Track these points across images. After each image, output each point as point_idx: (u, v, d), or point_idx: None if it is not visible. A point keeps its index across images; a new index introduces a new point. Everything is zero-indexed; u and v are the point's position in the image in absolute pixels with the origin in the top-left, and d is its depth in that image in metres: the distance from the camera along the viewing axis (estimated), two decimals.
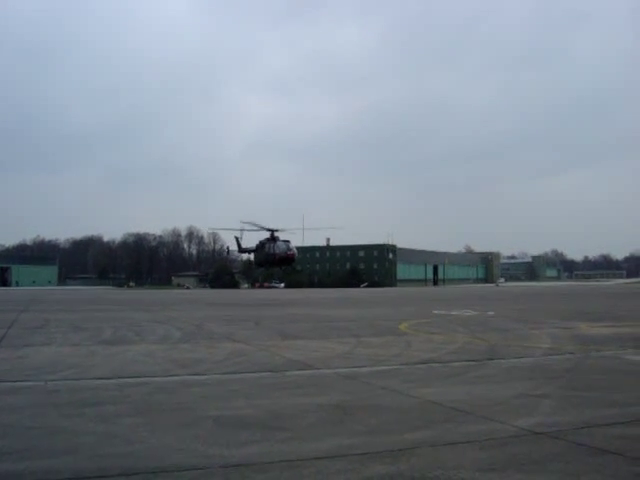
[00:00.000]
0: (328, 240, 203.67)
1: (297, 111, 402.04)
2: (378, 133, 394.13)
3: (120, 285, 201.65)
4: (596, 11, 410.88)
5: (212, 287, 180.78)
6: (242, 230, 73.86)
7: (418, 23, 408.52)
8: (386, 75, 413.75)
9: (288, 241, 67.83)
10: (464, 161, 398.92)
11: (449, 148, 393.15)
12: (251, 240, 75.92)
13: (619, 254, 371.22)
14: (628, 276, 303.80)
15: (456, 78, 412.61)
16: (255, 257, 73.36)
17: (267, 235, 69.47)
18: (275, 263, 69.47)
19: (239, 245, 77.88)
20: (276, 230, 67.68)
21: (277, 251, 66.83)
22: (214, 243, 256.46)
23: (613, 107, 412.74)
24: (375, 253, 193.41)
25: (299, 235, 74.80)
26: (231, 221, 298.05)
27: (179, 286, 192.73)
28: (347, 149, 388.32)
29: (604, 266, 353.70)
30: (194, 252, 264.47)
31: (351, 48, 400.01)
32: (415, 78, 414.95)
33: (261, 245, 69.75)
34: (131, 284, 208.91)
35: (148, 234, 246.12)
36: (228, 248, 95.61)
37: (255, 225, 68.25)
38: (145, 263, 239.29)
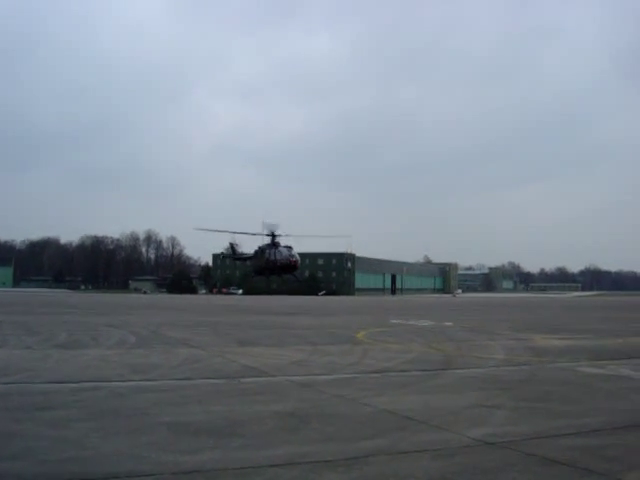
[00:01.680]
0: None
1: (264, 117, 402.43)
2: (343, 142, 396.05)
3: (75, 288, 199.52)
4: (563, 28, 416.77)
5: (170, 292, 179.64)
6: (235, 233, 70.31)
7: (388, 35, 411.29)
8: (355, 85, 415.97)
9: (290, 247, 63.78)
10: (426, 172, 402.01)
11: (412, 159, 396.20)
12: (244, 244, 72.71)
13: (574, 267, 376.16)
14: (583, 289, 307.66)
15: (423, 90, 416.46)
16: (254, 264, 69.06)
17: (260, 240, 65.94)
18: (276, 270, 65.19)
19: (234, 251, 74.72)
20: (278, 235, 63.54)
21: (278, 257, 62.93)
22: (173, 247, 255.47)
23: (574, 124, 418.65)
24: (334, 261, 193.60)
25: (294, 241, 68.79)
26: (191, 226, 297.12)
27: (136, 290, 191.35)
28: (312, 157, 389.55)
29: (560, 279, 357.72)
30: (152, 256, 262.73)
31: (321, 57, 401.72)
32: (383, 89, 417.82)
33: (260, 251, 65.63)
34: (82, 287, 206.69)
35: (106, 237, 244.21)
36: (222, 254, 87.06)
37: (267, 230, 63.09)
38: (102, 266, 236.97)
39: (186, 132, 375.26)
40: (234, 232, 69.07)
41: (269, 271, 65.96)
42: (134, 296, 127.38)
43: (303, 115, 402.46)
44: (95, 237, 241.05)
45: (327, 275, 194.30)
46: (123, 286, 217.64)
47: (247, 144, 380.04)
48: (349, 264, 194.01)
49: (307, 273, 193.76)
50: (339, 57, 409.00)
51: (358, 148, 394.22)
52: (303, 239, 63.76)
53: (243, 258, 74.18)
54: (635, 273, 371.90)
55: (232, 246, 74.66)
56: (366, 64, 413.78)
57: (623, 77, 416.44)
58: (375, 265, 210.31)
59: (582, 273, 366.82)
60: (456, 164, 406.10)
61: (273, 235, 62.57)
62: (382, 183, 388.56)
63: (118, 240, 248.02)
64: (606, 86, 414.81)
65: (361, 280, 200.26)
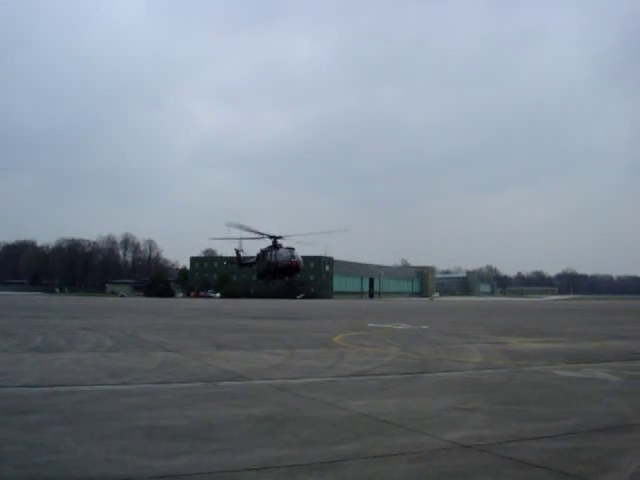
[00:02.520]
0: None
1: (246, 120, 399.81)
2: (324, 145, 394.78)
3: (51, 291, 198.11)
4: (545, 32, 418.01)
5: (147, 295, 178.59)
6: (241, 239, 66.22)
7: (371, 38, 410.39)
8: (336, 89, 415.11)
9: (292, 248, 60.12)
10: (406, 176, 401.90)
11: (392, 162, 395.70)
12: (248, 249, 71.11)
13: (551, 271, 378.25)
14: (560, 292, 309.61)
15: (405, 94, 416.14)
16: (257, 268, 65.45)
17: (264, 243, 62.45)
18: (277, 273, 61.60)
19: (239, 258, 71.17)
20: (279, 237, 60.27)
21: (279, 259, 59.35)
22: (150, 251, 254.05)
23: (555, 128, 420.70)
24: (312, 265, 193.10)
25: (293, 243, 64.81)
26: (169, 229, 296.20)
27: (113, 294, 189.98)
28: (293, 160, 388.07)
29: (537, 282, 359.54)
30: (129, 259, 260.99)
31: (304, 59, 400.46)
32: (364, 93, 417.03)
33: (262, 254, 62.47)
34: (57, 290, 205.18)
35: (83, 240, 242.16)
36: (226, 262, 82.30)
37: (249, 231, 60.17)
38: (79, 269, 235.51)
39: (167, 134, 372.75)
40: (245, 238, 65.01)
41: (271, 274, 62.27)
42: (111, 299, 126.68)
43: (285, 118, 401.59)
44: (72, 240, 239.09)
45: (305, 278, 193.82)
46: (100, 289, 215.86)
47: (228, 147, 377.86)
48: (327, 267, 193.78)
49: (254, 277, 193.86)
50: (321, 60, 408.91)
51: (339, 151, 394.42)
52: (305, 238, 59.39)
53: (248, 263, 69.68)
54: (611, 277, 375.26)
55: (237, 252, 70.67)
56: (348, 67, 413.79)
57: (604, 82, 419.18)
58: (353, 268, 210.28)
59: (559, 277, 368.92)
60: (436, 168, 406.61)
61: (275, 237, 60.08)
62: (362, 186, 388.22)
63: (95, 243, 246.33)
64: (587, 91, 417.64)
65: (339, 283, 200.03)
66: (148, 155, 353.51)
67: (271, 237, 60.00)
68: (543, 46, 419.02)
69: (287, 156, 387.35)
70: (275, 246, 59.91)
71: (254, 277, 74.84)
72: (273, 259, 59.62)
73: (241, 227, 58.02)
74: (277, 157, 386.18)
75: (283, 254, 59.08)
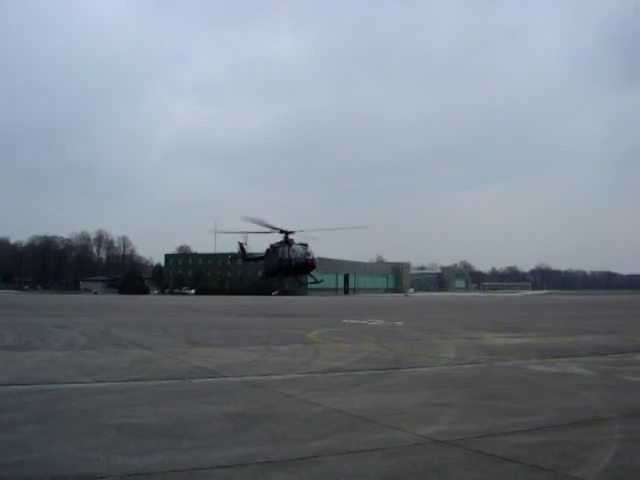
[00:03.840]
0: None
1: (222, 117, 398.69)
2: (303, 142, 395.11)
3: (24, 289, 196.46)
4: (524, 31, 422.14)
5: (121, 292, 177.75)
6: (246, 233, 63.04)
7: (350, 35, 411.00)
8: (315, 85, 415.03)
9: (306, 244, 56.58)
10: (382, 173, 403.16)
11: (369, 160, 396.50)
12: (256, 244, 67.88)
13: (525, 266, 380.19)
14: (534, 288, 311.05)
15: (384, 91, 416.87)
16: (265, 264, 61.58)
17: (272, 238, 58.72)
18: (291, 271, 57.75)
19: (243, 252, 67.59)
20: (291, 232, 56.52)
21: (293, 256, 55.53)
22: (124, 248, 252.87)
23: (531, 125, 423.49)
24: (252, 264, 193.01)
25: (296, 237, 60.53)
26: (144, 225, 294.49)
27: (87, 291, 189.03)
28: (270, 157, 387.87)
29: (511, 278, 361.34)
30: (103, 257, 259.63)
31: (283, 57, 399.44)
32: (343, 90, 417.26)
33: (273, 250, 58.44)
34: (27, 287, 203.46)
35: (56, 237, 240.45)
36: (230, 256, 76.42)
37: (262, 225, 55.75)
38: (52, 267, 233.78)
39: (143, 131, 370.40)
40: (249, 232, 61.89)
41: (283, 272, 58.53)
42: (85, 297, 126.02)
43: (263, 114, 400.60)
44: (45, 237, 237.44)
45: None
46: (74, 287, 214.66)
47: (205, 143, 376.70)
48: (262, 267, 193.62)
49: (260, 273, 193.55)
50: (300, 57, 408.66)
51: (316, 148, 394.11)
52: (318, 233, 55.71)
53: (254, 258, 66.47)
54: (584, 272, 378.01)
55: (241, 246, 67.17)
56: (328, 64, 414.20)
57: (582, 81, 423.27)
58: (328, 264, 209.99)
59: (532, 272, 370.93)
60: (412, 165, 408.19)
61: (286, 232, 56.24)
62: (338, 183, 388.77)
63: (69, 240, 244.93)
64: (564, 89, 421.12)
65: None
66: (124, 152, 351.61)
67: (282, 232, 56.68)
68: (522, 44, 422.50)
69: (264, 152, 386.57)
70: (287, 241, 56.68)
71: (260, 274, 69.65)
72: (286, 255, 56.18)
73: (252, 220, 54.63)
74: (255, 153, 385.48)
75: (297, 251, 55.99)
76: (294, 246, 55.81)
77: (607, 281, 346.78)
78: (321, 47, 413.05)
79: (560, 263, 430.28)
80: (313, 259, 56.30)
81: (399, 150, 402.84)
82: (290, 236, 56.73)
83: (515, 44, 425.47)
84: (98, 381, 13.39)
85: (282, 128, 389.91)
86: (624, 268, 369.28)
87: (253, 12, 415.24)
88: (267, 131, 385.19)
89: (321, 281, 64.25)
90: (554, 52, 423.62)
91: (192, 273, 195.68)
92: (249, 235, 64.74)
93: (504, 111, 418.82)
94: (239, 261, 71.60)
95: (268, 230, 56.32)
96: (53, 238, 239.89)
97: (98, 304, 71.78)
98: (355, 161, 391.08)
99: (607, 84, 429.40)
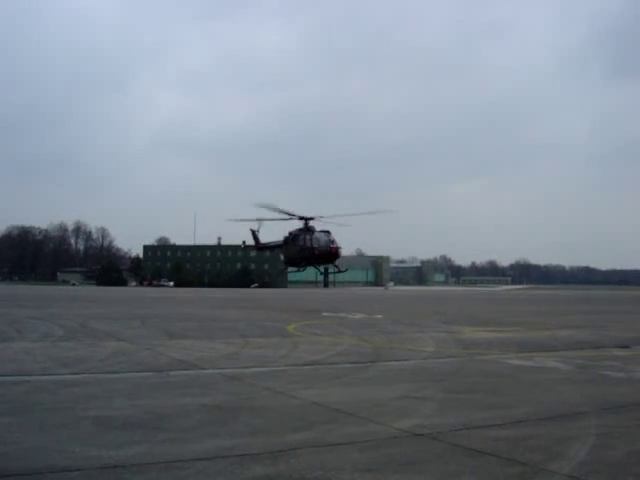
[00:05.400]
0: (219, 239, 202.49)
1: (209, 108, 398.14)
2: (289, 134, 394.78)
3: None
4: (513, 26, 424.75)
5: (99, 284, 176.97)
6: (260, 220, 57.95)
7: (339, 27, 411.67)
8: (303, 76, 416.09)
9: (328, 232, 51.87)
10: (365, 166, 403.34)
11: (353, 152, 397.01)
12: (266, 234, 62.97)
13: (505, 261, 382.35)
14: (513, 282, 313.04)
15: (371, 84, 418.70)
16: (285, 253, 57.60)
17: (290, 225, 54.06)
18: (314, 260, 52.85)
19: (257, 240, 62.91)
20: (311, 218, 52.14)
21: (316, 245, 50.88)
22: (102, 239, 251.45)
23: (515, 120, 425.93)
24: (267, 253, 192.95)
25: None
26: (123, 216, 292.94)
27: (65, 282, 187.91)
28: (256, 148, 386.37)
29: (490, 272, 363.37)
30: (81, 248, 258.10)
31: (271, 48, 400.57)
32: (332, 81, 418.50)
33: (292, 238, 53.98)
34: (1, 278, 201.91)
35: (33, 227, 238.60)
36: (244, 243, 69.04)
37: (277, 211, 51.41)
38: (29, 258, 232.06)
39: (126, 122, 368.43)
40: (264, 219, 56.82)
41: (305, 261, 53.63)
42: (62, 288, 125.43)
43: (250, 106, 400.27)
44: (22, 227, 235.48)
45: (260, 267, 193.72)
46: (51, 278, 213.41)
47: (190, 134, 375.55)
48: (282, 256, 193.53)
49: (239, 265, 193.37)
50: (289, 48, 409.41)
51: (302, 140, 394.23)
52: (340, 219, 51.45)
53: (269, 247, 62.82)
54: (563, 267, 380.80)
55: (254, 233, 62.25)
56: (316, 56, 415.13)
57: (567, 77, 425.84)
58: None
59: (512, 267, 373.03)
60: (396, 158, 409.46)
61: (306, 218, 51.90)
62: (322, 175, 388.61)
63: (46, 231, 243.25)
64: (550, 85, 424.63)
65: (294, 272, 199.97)
66: (105, 142, 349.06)
67: (301, 218, 52.45)
68: (509, 39, 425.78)
69: (251, 143, 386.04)
70: (308, 229, 52.35)
71: (283, 262, 64.30)
72: (308, 244, 51.68)
73: (268, 207, 50.53)
74: (241, 144, 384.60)
75: (320, 239, 51.31)
76: (316, 234, 51.65)
77: (586, 276, 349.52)
78: (309, 39, 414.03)
79: (540, 258, 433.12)
80: (337, 248, 52.08)
81: (384, 143, 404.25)
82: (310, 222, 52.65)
83: (503, 39, 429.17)
84: (74, 373, 13.31)
85: (268, 120, 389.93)
86: (603, 264, 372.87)
87: (241, 3, 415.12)
88: (253, 123, 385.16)
89: (345, 270, 60.12)
90: (541, 47, 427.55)
91: (171, 265, 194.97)
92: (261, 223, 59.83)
93: (490, 105, 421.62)
94: (253, 250, 66.36)
95: (285, 217, 52.44)
96: (30, 228, 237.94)
97: (75, 295, 71.36)
98: (338, 153, 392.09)
99: (592, 81, 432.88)
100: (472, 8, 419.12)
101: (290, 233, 54.22)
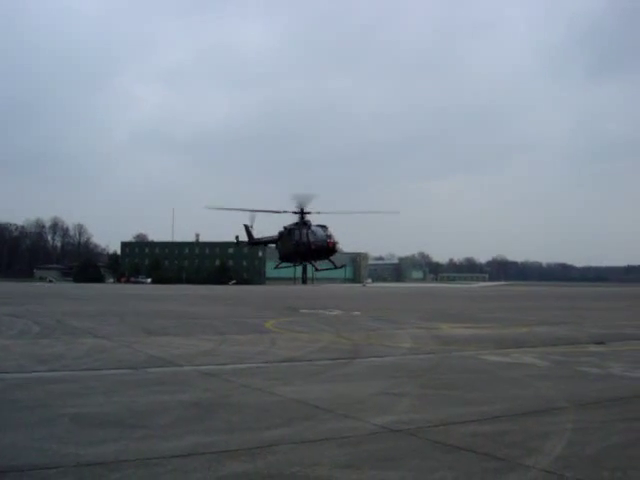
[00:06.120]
0: (197, 236, 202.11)
1: (190, 104, 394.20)
2: (270, 131, 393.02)
3: None
4: (493, 24, 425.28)
5: (76, 281, 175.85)
6: (253, 211, 55.68)
7: (321, 24, 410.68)
8: (285, 74, 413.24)
9: (325, 226, 50.04)
10: (346, 163, 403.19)
11: (335, 149, 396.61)
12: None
13: (482, 258, 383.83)
14: (490, 279, 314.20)
15: (353, 81, 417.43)
16: (280, 248, 54.64)
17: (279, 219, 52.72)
18: (310, 255, 51.02)
19: (250, 235, 59.41)
20: (307, 212, 50.31)
21: (313, 239, 48.95)
22: (79, 235, 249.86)
23: (496, 118, 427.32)
24: (245, 250, 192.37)
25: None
26: (101, 213, 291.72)
27: (41, 279, 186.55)
28: (237, 145, 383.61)
29: (468, 269, 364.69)
30: (58, 244, 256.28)
31: (253, 45, 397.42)
32: (314, 78, 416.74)
33: (288, 232, 51.81)
34: None
35: (9, 224, 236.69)
36: (237, 238, 64.61)
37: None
38: (5, 254, 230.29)
39: (107, 117, 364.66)
40: (253, 210, 54.86)
41: (300, 256, 52.01)
42: (39, 285, 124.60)
43: (231, 102, 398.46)
44: None
45: (238, 264, 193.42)
46: (28, 275, 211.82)
47: (171, 131, 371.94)
48: (260, 253, 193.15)
49: (217, 262, 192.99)
50: (270, 45, 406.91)
51: (283, 137, 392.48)
52: (337, 216, 49.29)
53: (263, 242, 60.19)
54: (540, 264, 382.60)
55: (247, 228, 58.99)
56: (297, 53, 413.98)
57: (549, 75, 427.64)
58: None
59: (489, 263, 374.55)
60: (375, 155, 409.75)
61: (302, 212, 50.05)
62: (303, 172, 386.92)
63: (23, 227, 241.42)
64: (531, 83, 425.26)
65: (272, 269, 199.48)
66: (87, 138, 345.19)
67: (296, 212, 50.59)
68: (492, 37, 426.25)
69: (231, 140, 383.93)
70: (304, 223, 50.44)
71: (278, 258, 59.29)
72: (304, 238, 49.73)
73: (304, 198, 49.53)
74: (221, 141, 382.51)
75: (317, 233, 49.41)
76: (313, 228, 49.68)
77: (563, 273, 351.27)
78: (291, 36, 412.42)
79: (517, 255, 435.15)
80: (334, 243, 49.98)
81: (364, 140, 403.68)
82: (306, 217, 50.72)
83: (486, 37, 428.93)
84: (52, 370, 13.26)
85: (249, 116, 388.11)
86: (579, 260, 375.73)
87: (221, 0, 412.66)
88: (234, 119, 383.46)
89: (342, 266, 58.85)
90: (524, 46, 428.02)
91: (148, 262, 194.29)
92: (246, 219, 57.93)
93: (471, 103, 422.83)
94: (246, 245, 63.84)
95: (279, 210, 51.14)
96: (7, 225, 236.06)
97: (53, 292, 70.98)
98: (320, 150, 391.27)
99: (573, 80, 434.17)
100: (455, 7, 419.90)
101: (285, 227, 52.53)
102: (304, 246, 49.42)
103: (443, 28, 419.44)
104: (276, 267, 62.17)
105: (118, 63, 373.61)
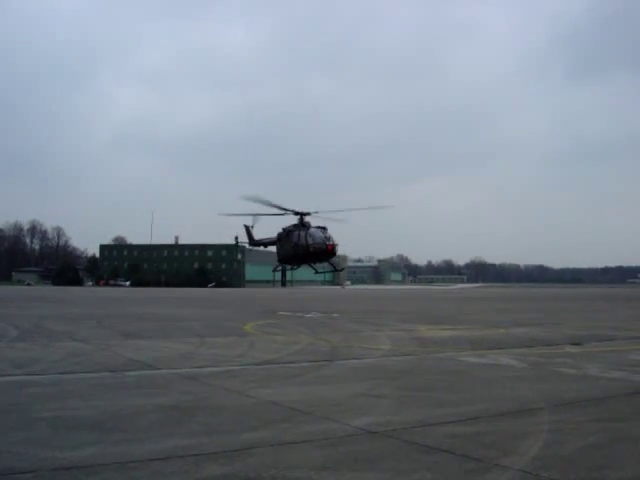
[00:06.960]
0: (177, 238, 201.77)
1: (171, 106, 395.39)
2: (251, 133, 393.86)
3: None
4: (475, 28, 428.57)
5: (55, 284, 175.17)
6: (255, 215, 53.78)
7: (303, 28, 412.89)
8: (267, 77, 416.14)
9: (324, 228, 49.37)
10: (325, 166, 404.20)
11: (315, 152, 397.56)
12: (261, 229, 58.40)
13: (461, 260, 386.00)
14: (468, 281, 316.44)
15: (334, 84, 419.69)
16: (279, 250, 53.49)
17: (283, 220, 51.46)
18: (309, 257, 50.04)
19: (250, 236, 58.27)
20: (306, 214, 49.63)
21: (311, 241, 48.24)
22: (58, 238, 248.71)
23: (475, 120, 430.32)
24: (224, 253, 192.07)
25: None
26: (80, 216, 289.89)
27: (20, 282, 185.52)
28: (217, 147, 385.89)
29: (446, 271, 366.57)
30: (37, 247, 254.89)
31: (235, 47, 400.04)
32: (295, 81, 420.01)
33: (286, 234, 50.98)
34: None
35: None
36: (237, 239, 62.61)
37: (270, 205, 48.60)
38: None
39: (86, 119, 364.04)
40: (259, 214, 52.92)
41: (299, 258, 50.97)
42: (17, 288, 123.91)
43: (212, 105, 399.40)
44: None
45: (217, 267, 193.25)
46: (6, 278, 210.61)
47: (150, 133, 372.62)
48: (239, 255, 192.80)
49: (196, 265, 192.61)
50: (252, 49, 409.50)
51: (265, 140, 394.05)
52: (336, 214, 47.82)
53: (263, 243, 57.80)
54: (518, 266, 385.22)
55: (247, 229, 57.76)
56: (279, 56, 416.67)
57: (528, 77, 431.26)
58: (266, 257, 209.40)
59: (467, 266, 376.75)
60: (356, 157, 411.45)
61: (302, 213, 49.51)
62: (282, 175, 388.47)
63: (1, 230, 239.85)
64: (511, 85, 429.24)
65: (251, 272, 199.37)
66: (64, 140, 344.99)
67: (297, 213, 49.96)
68: (472, 40, 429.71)
69: (211, 143, 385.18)
70: (303, 225, 49.77)
71: (278, 260, 57.73)
72: (303, 241, 48.99)
73: (260, 201, 48.18)
74: (201, 143, 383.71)
75: (316, 235, 48.70)
76: (312, 230, 49.04)
77: (540, 274, 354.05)
78: (273, 39, 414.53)
79: (495, 257, 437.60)
80: (334, 245, 49.15)
81: (346, 143, 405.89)
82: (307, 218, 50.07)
83: (465, 39, 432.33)
84: (29, 374, 13.18)
85: (231, 119, 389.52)
86: (556, 262, 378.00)
87: (205, 2, 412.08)
88: (215, 121, 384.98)
89: (342, 269, 58.52)
90: (504, 49, 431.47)
91: (127, 264, 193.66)
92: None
93: (451, 106, 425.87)
94: (246, 246, 62.58)
95: (280, 212, 49.67)
96: None
97: (30, 295, 70.57)
98: (300, 152, 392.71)
99: (552, 82, 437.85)
100: (435, 10, 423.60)
101: (284, 229, 51.73)
102: (302, 248, 48.77)
103: (423, 31, 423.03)
104: (274, 270, 61.91)
105: (100, 64, 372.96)
